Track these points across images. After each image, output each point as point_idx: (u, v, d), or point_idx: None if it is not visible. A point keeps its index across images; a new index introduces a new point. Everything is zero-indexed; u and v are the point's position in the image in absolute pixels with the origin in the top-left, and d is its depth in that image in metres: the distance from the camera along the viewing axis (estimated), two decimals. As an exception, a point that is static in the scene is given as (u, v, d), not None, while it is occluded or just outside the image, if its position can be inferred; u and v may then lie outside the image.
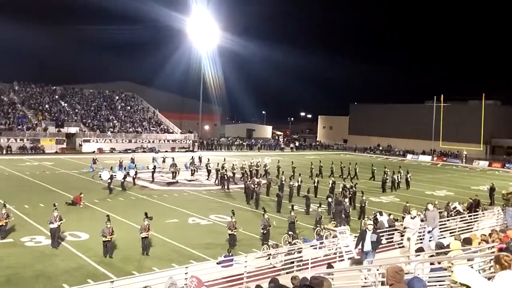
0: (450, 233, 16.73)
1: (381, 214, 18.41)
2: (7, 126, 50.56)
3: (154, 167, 32.40)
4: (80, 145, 52.94)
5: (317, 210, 19.80)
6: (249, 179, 28.72)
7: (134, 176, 29.86)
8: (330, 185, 28.01)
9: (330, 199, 23.21)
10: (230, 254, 13.90)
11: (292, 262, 13.12)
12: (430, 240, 14.55)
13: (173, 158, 36.42)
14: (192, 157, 37.89)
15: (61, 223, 16.00)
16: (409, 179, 34.46)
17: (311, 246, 14.39)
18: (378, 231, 15.83)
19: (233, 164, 34.11)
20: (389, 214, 18.58)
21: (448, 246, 10.15)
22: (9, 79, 63.24)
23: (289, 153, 64.07)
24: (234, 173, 32.78)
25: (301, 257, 13.29)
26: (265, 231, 16.90)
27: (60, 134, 52.67)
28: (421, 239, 15.28)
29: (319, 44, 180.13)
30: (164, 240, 17.21)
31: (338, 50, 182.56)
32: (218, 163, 33.07)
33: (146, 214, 15.99)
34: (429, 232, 14.90)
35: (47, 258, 14.77)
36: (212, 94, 73.91)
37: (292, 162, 38.59)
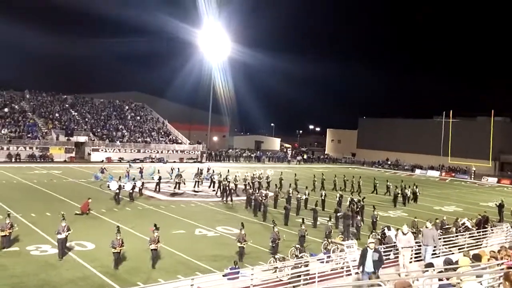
0: (459, 249, 16.48)
1: (389, 228, 18.21)
2: (17, 134, 51.06)
3: (160, 178, 32.29)
4: (89, 154, 53.26)
5: (326, 223, 19.60)
6: (256, 191, 28.63)
7: (141, 187, 29.79)
8: (338, 199, 27.82)
9: (338, 213, 23.10)
10: (236, 267, 13.79)
11: (299, 276, 12.98)
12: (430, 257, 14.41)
13: (178, 168, 36.40)
14: (198, 168, 37.80)
15: (68, 233, 15.91)
16: (417, 193, 34.27)
17: (318, 260, 14.25)
18: (386, 245, 15.68)
19: (236, 176, 34.06)
20: (397, 229, 18.35)
21: (456, 262, 10.01)
22: (21, 87, 64.20)
23: (295, 166, 63.89)
24: (236, 185, 32.60)
25: (308, 270, 13.16)
26: (274, 244, 16.78)
27: (69, 143, 53.03)
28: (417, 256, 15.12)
29: (329, 57, 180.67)
30: (170, 252, 17.13)
31: (348, 62, 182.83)
32: (220, 175, 32.90)
33: (155, 225, 15.87)
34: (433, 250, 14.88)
35: (52, 268, 14.76)
36: (222, 105, 74.26)
37: (295, 174, 38.45)
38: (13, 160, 47.05)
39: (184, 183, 33.42)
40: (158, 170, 34.50)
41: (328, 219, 20.05)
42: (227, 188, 30.05)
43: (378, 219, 22.58)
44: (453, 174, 61.68)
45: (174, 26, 71.06)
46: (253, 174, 35.99)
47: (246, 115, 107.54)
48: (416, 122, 76.11)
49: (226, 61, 67.58)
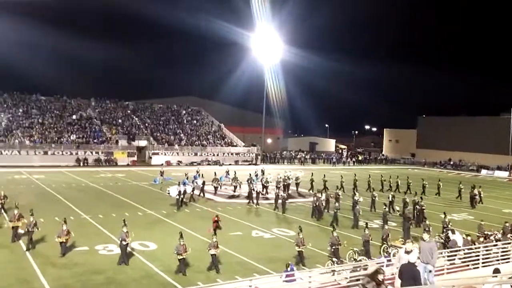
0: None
1: (453, 232, 17.41)
2: (84, 139, 54.05)
3: (203, 182, 32.14)
4: (150, 157, 55.33)
5: (383, 227, 19.01)
6: (284, 192, 28.10)
7: (192, 192, 29.19)
8: (390, 199, 27.16)
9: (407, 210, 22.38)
10: (288, 269, 13.64)
11: (358, 280, 12.70)
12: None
13: (215, 172, 35.52)
14: (235, 171, 36.80)
15: (130, 239, 16.10)
16: (481, 195, 32.50)
17: (377, 263, 13.87)
18: (450, 249, 15.00)
19: (267, 178, 33.86)
20: (468, 235, 17.30)
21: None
22: (87, 95, 67.90)
23: (351, 167, 62.60)
24: (267, 187, 32.37)
25: (367, 274, 12.83)
26: (333, 249, 16.28)
27: (131, 147, 55.39)
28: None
29: (385, 54, 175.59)
30: (228, 253, 17.38)
31: (405, 60, 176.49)
32: (250, 174, 32.69)
33: (215, 231, 16.06)
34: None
35: (118, 266, 15.44)
36: (275, 107, 74.35)
37: (324, 175, 37.21)
38: (81, 164, 49.88)
39: (220, 188, 33.29)
40: (202, 174, 34.54)
41: (382, 222, 19.36)
42: (252, 191, 29.38)
43: (450, 225, 20.28)
44: (524, 175, 57.80)
45: (228, 30, 71.97)
46: (285, 176, 35.08)
47: (300, 116, 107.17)
48: (480, 119, 72.02)
49: (279, 63, 67.71)
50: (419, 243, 12.36)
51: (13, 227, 17.88)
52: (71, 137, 53.82)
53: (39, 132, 53.36)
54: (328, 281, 12.99)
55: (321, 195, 26.74)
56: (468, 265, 14.29)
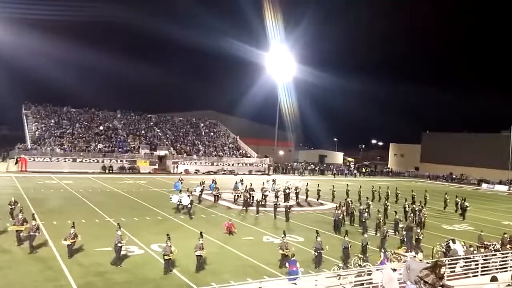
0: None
1: (454, 241, 17.18)
2: (110, 148, 54.72)
3: (202, 190, 31.78)
4: (177, 166, 55.70)
5: (363, 236, 18.90)
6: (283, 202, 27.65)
7: (189, 204, 26.75)
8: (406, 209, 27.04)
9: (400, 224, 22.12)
10: (293, 261, 13.99)
11: (362, 284, 12.61)
12: None
13: (214, 181, 35.28)
14: (236, 181, 35.97)
15: (125, 242, 16.14)
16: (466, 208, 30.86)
17: (377, 270, 13.74)
18: (451, 258, 14.81)
19: (265, 187, 33.20)
20: (470, 246, 17.00)
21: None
22: (113, 108, 68.80)
23: (357, 179, 62.18)
24: (266, 195, 31.44)
25: (371, 279, 12.75)
26: (317, 254, 16.43)
27: (153, 157, 55.88)
28: None
29: (393, 73, 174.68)
30: (240, 256, 17.42)
31: (411, 77, 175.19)
32: (246, 186, 31.60)
33: (201, 233, 16.29)
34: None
35: (138, 267, 15.58)
36: (288, 121, 74.51)
37: (318, 184, 37.04)
38: (106, 171, 50.45)
39: (220, 196, 32.55)
40: (201, 183, 34.11)
41: (361, 231, 19.17)
42: (248, 199, 29.14)
43: (421, 237, 20.02)
44: (523, 189, 56.69)
45: (244, 50, 72.98)
46: (285, 186, 34.71)
47: (310, 130, 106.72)
48: (482, 136, 71.02)
49: (291, 81, 68.02)
50: (407, 261, 10.52)
51: (16, 231, 17.52)
52: (98, 146, 54.51)
53: (69, 141, 54.18)
54: (333, 284, 12.92)
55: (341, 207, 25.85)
56: (467, 273, 14.08)
